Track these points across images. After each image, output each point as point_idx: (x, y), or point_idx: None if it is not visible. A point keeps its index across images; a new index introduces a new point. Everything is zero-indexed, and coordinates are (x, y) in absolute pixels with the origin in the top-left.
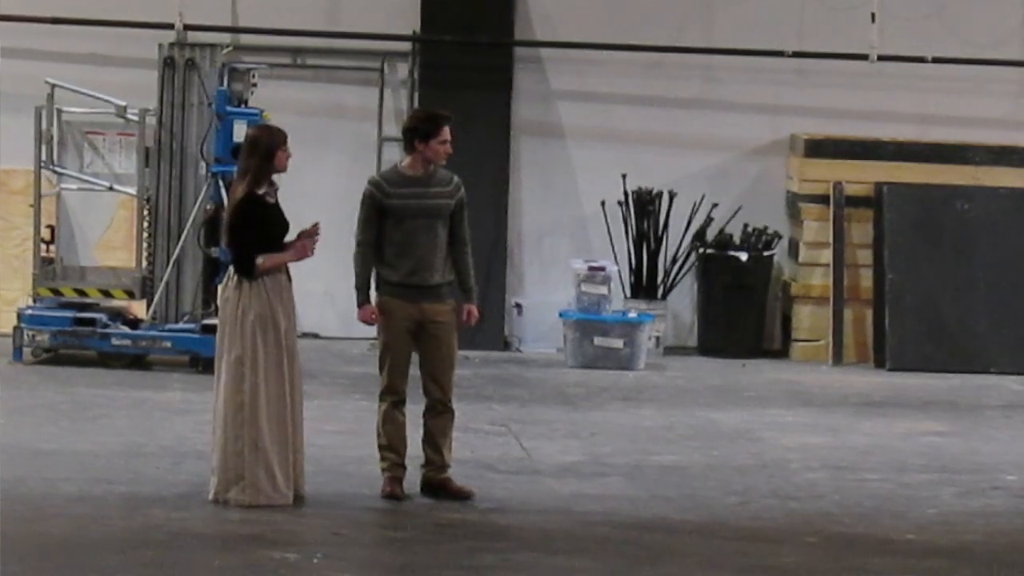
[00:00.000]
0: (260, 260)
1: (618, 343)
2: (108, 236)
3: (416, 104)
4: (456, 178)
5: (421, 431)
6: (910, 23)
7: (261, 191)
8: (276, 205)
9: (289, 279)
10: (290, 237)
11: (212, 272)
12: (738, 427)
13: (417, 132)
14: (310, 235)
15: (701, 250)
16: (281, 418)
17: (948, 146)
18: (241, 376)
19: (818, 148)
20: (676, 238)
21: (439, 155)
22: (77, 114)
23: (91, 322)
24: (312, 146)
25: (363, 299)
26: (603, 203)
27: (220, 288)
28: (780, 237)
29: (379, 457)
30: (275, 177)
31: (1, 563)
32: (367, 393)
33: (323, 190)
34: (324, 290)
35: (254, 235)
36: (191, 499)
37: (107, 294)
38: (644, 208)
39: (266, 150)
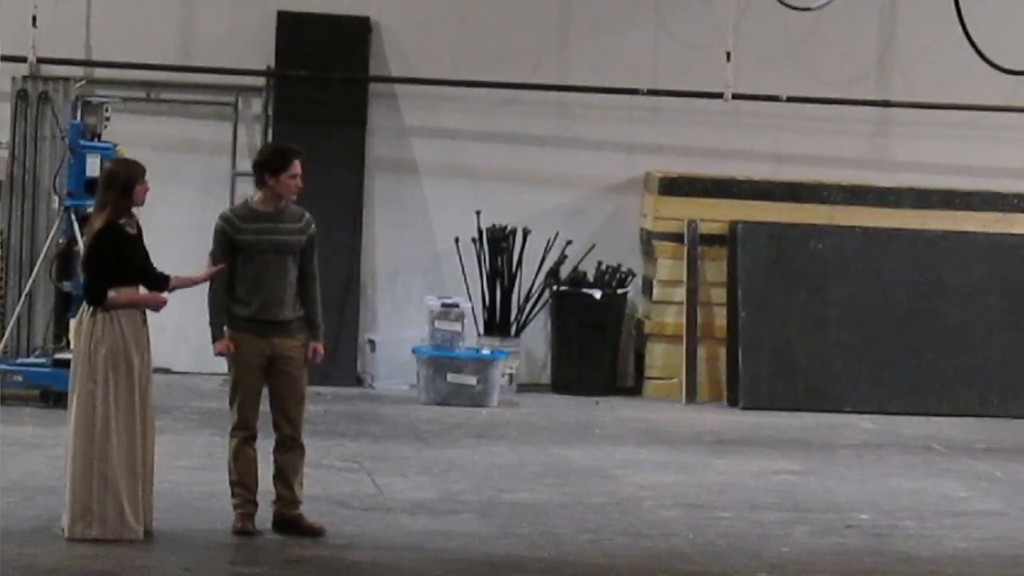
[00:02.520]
0: (113, 293)
1: (471, 380)
2: None
3: (270, 139)
4: (307, 214)
5: (272, 467)
6: (765, 62)
7: (120, 222)
8: (137, 236)
9: (144, 317)
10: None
11: (64, 306)
12: (591, 465)
13: (267, 166)
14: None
15: (555, 287)
16: (131, 452)
17: (802, 185)
18: (92, 410)
19: (672, 186)
20: (530, 275)
21: (289, 189)
22: None
23: None
24: (165, 180)
25: (218, 333)
26: (457, 240)
27: (74, 322)
28: (634, 275)
29: (230, 493)
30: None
31: None
32: (218, 428)
33: (176, 224)
34: (176, 325)
35: (111, 264)
36: (42, 534)
37: None
38: (498, 245)
39: (124, 184)
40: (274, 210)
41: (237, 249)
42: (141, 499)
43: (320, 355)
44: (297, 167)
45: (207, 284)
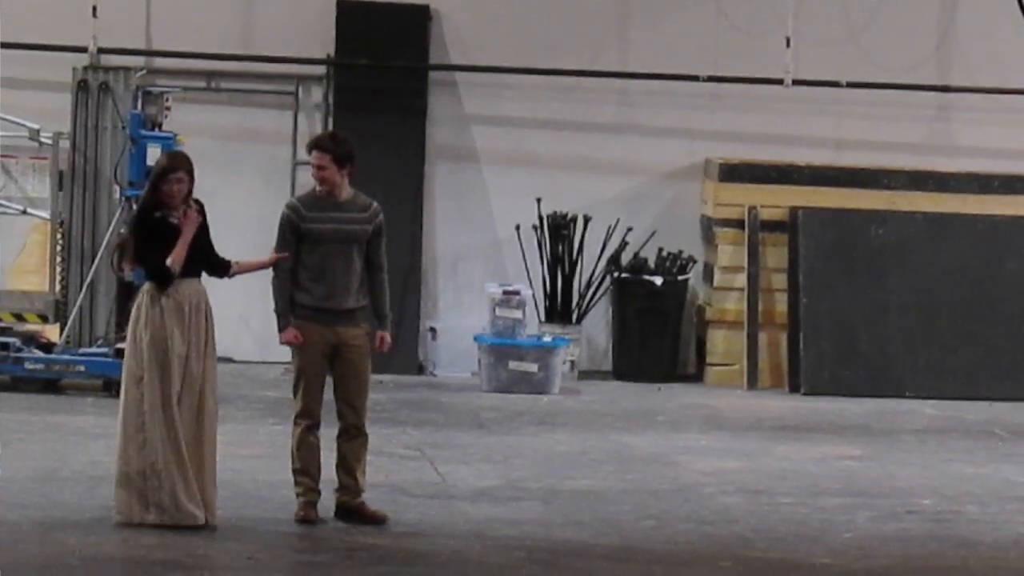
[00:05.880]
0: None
1: (533, 367)
2: (21, 260)
3: (330, 128)
4: (375, 204)
5: (335, 455)
6: (824, 48)
7: (158, 213)
8: (175, 226)
9: (196, 302)
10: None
11: (126, 296)
12: (653, 451)
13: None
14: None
15: (616, 274)
16: (175, 440)
17: (863, 171)
18: (140, 397)
19: (733, 172)
20: (591, 262)
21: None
22: None
23: (4, 346)
24: (226, 170)
25: (284, 323)
26: (518, 227)
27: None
28: (695, 261)
29: (293, 481)
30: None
31: None
32: (282, 417)
33: (237, 214)
34: (239, 314)
35: (156, 247)
36: (105, 523)
37: (20, 318)
38: (559, 232)
39: (156, 176)
40: (342, 199)
41: (302, 237)
42: (194, 483)
43: (388, 344)
44: (315, 158)
45: (270, 272)
